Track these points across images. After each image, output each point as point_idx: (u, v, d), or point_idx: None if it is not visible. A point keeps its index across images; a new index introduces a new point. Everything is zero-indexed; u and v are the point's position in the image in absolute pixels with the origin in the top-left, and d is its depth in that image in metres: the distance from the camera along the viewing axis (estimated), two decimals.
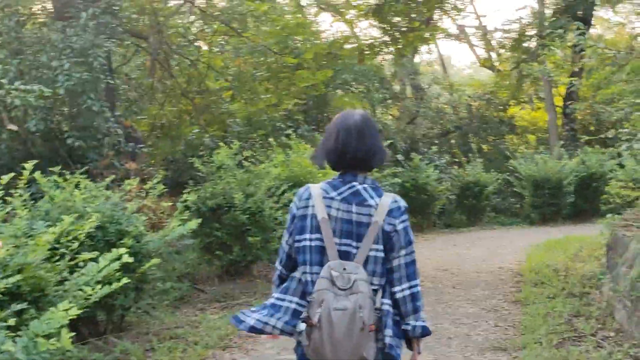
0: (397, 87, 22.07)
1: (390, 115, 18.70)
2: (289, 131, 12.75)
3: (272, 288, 3.04)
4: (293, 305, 2.87)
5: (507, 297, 7.87)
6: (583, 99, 23.82)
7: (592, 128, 23.14)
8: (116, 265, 4.48)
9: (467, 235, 15.53)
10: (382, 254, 2.79)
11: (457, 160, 18.98)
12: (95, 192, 6.46)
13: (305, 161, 11.35)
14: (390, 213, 2.80)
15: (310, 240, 2.83)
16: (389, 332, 2.78)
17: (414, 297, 2.85)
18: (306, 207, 2.87)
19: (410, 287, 2.84)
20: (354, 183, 2.84)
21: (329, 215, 2.81)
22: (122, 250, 4.53)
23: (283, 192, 9.57)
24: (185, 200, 7.36)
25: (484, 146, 22.44)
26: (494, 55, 29.43)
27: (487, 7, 67.48)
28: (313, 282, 2.78)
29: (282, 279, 2.99)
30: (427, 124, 20.67)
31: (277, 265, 3.01)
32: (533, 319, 6.53)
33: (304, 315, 2.77)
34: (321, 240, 2.80)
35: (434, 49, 28.11)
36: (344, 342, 2.65)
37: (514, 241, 13.61)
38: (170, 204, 7.55)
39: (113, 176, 7.37)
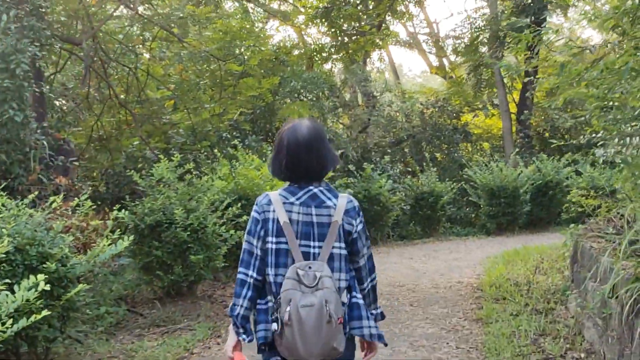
0: (347, 95, 21.78)
1: (341, 124, 18.34)
2: (236, 142, 12.31)
3: (234, 299, 3.05)
4: (263, 306, 3.04)
5: (467, 314, 7.51)
6: (537, 105, 23.91)
7: (546, 135, 23.19)
8: (33, 293, 3.98)
9: (423, 247, 15.24)
10: (344, 251, 3.04)
11: (410, 169, 18.71)
12: (16, 211, 5.90)
13: (252, 173, 10.94)
14: (347, 213, 3.05)
15: (273, 243, 2.99)
16: (368, 322, 3.09)
17: (374, 288, 3.24)
18: (267, 212, 3.03)
19: (371, 281, 3.21)
20: (310, 187, 3.05)
21: (290, 219, 3.00)
22: (41, 276, 4.04)
23: (227, 207, 9.10)
24: (116, 218, 6.84)
25: (437, 155, 22.29)
26: (446, 62, 29.56)
27: (439, 14, 68.12)
28: (278, 284, 2.97)
29: (256, 288, 3.05)
30: (379, 133, 20.39)
31: (249, 272, 3.03)
32: (497, 340, 6.17)
33: (274, 315, 2.94)
34: (285, 243, 2.98)
35: (385, 57, 28.14)
36: (314, 336, 2.84)
37: (471, 252, 13.35)
38: (100, 222, 7.00)
39: (37, 192, 6.79)
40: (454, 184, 18.39)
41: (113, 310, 7.48)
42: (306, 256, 3.00)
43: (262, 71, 11.72)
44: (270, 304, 3.02)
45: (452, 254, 13.11)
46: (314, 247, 3.02)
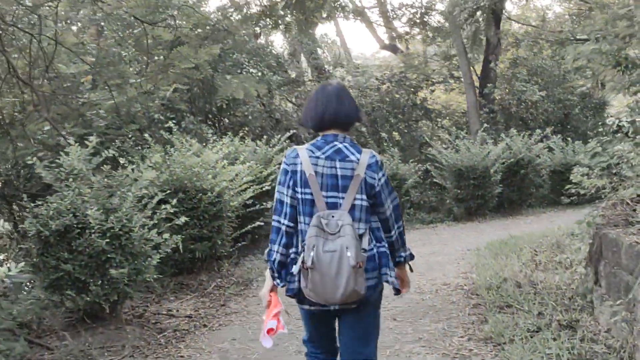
0: (294, 72, 20.19)
1: (291, 102, 16.84)
2: (170, 124, 10.72)
3: (270, 245, 3.43)
4: (278, 256, 3.40)
5: (470, 331, 6.10)
6: (501, 78, 22.78)
7: (512, 109, 22.06)
8: None
9: None
10: (366, 203, 3.40)
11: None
12: None
13: (191, 160, 9.41)
14: (369, 167, 3.42)
15: (301, 193, 3.38)
16: (388, 270, 3.45)
17: (401, 234, 3.61)
18: (295, 164, 3.42)
19: (398, 228, 3.58)
20: (335, 142, 3.46)
21: (315, 172, 3.38)
22: None
23: (161, 202, 7.54)
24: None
25: (395, 133, 20.90)
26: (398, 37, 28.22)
27: None
28: (304, 231, 3.34)
29: (289, 234, 3.41)
30: None
31: (282, 221, 3.41)
32: None
33: (299, 260, 3.31)
34: (311, 194, 3.35)
35: (333, 28, 26.63)
36: (336, 279, 3.21)
37: (447, 244, 12.04)
38: None
39: None
40: (418, 165, 17.05)
41: (8, 346, 5.81)
42: (330, 206, 3.34)
43: (200, 39, 10.11)
44: (298, 250, 3.37)
45: (426, 247, 11.77)
46: (337, 197, 3.36)
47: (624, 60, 7.24)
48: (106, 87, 9.98)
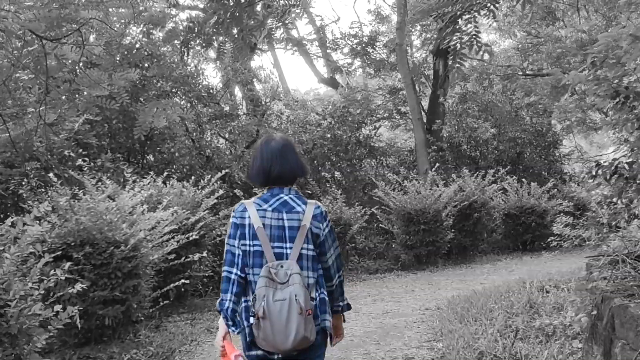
0: (229, 103, 18.83)
1: (223, 137, 15.52)
2: (80, 162, 9.33)
3: (222, 295, 3.61)
4: (231, 305, 3.59)
5: None
6: (450, 114, 21.94)
7: (463, 147, 21.16)
8: None
9: None
10: (312, 252, 3.67)
11: (309, 192, 16.03)
12: None
13: (103, 204, 8.05)
14: (315, 217, 3.70)
15: (250, 245, 3.62)
16: (328, 317, 3.71)
17: (341, 283, 3.91)
18: (243, 217, 3.66)
19: (339, 277, 3.86)
20: (281, 195, 3.72)
21: (263, 224, 3.62)
22: None
23: (62, 258, 6.14)
24: None
25: (337, 173, 19.68)
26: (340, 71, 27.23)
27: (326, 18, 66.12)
28: (254, 282, 3.54)
29: (240, 284, 3.62)
30: None
31: (233, 271, 3.63)
32: None
33: (251, 311, 3.50)
34: (260, 245, 3.59)
35: (268, 60, 25.50)
36: (287, 327, 3.40)
37: (402, 301, 10.84)
38: None
39: None
40: (364, 209, 15.85)
41: None
42: (279, 256, 3.60)
43: (114, 60, 8.75)
44: (249, 302, 3.57)
45: (377, 304, 10.56)
46: (285, 248, 3.63)
47: (624, 90, 6.18)
48: None
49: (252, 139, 16.03)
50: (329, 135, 19.52)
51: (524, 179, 18.70)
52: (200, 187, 11.13)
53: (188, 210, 10.15)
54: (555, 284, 10.23)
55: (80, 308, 6.23)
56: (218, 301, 3.66)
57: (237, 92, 20.15)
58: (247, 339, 3.56)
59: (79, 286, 5.71)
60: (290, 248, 3.61)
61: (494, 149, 21.76)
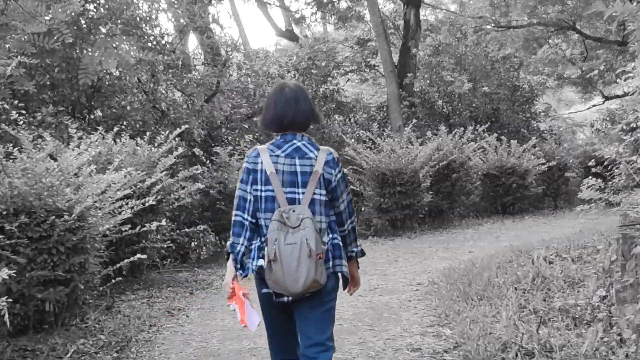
0: (184, 52, 17.37)
1: (180, 90, 14.20)
2: (15, 115, 8.05)
3: (234, 239, 3.80)
4: (257, 244, 3.75)
5: None
6: (424, 67, 20.88)
7: (438, 103, 20.13)
8: None
9: None
10: (324, 197, 3.77)
11: None
12: None
13: (43, 165, 6.84)
14: (327, 164, 3.79)
15: (262, 191, 3.74)
16: (343, 262, 3.84)
17: (354, 229, 4.00)
18: (255, 163, 3.78)
19: (351, 222, 3.96)
20: (294, 141, 3.81)
21: (276, 169, 3.73)
22: None
23: None
24: None
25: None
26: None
27: None
28: (267, 226, 3.67)
29: (251, 229, 3.78)
30: (229, 103, 16.28)
31: (245, 217, 3.78)
32: None
33: (262, 253, 3.66)
34: (272, 190, 3.70)
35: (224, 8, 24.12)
36: (297, 270, 3.54)
37: (388, 274, 9.84)
38: None
39: None
40: None
41: None
42: (291, 201, 3.71)
43: None
44: (260, 244, 3.73)
45: (361, 277, 9.44)
46: (297, 193, 3.73)
47: None
48: None
49: (211, 91, 14.75)
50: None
51: (502, 137, 17.79)
52: (156, 144, 9.91)
53: (143, 172, 8.94)
54: (557, 253, 9.34)
55: (14, 294, 5.03)
56: (229, 243, 3.83)
57: (191, 42, 18.82)
58: (258, 278, 3.78)
59: (4, 273, 4.46)
60: (303, 193, 3.74)
61: (468, 104, 20.80)
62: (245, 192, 3.78)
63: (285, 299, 3.69)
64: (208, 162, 12.07)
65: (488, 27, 24.53)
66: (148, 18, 12.42)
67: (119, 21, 11.19)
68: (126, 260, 7.72)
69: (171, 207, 10.29)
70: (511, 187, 16.95)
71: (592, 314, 6.25)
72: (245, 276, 3.77)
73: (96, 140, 8.95)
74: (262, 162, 3.74)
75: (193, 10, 13.21)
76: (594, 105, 27.90)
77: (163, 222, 8.90)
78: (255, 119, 17.59)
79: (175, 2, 13.64)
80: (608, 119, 28.81)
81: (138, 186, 8.80)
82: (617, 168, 8.44)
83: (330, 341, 3.88)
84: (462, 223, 15.87)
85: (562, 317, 6.30)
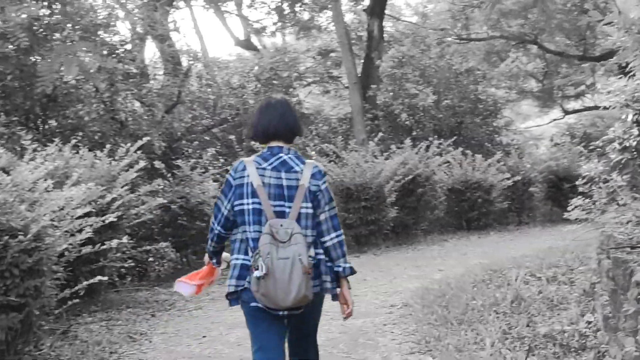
0: (141, 62, 16.83)
1: (140, 100, 13.71)
2: None
3: (208, 241, 4.15)
4: (240, 262, 3.87)
5: None
6: (388, 78, 20.65)
7: (402, 116, 19.90)
8: None
9: None
10: (311, 211, 3.86)
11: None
12: None
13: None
14: (313, 176, 3.88)
15: (249, 204, 3.80)
16: (327, 277, 3.90)
17: (341, 243, 3.97)
18: (242, 177, 3.83)
19: (337, 236, 3.95)
20: (281, 154, 3.90)
21: (262, 182, 3.80)
22: None
23: None
24: None
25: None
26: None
27: None
28: (254, 239, 3.75)
29: (221, 238, 4.05)
30: (191, 114, 15.83)
31: (216, 226, 3.99)
32: None
33: (254, 265, 3.66)
34: (259, 203, 3.77)
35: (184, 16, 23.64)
36: (289, 285, 3.59)
37: (357, 293, 9.41)
38: None
39: None
40: None
41: None
42: (279, 215, 3.77)
43: None
44: (243, 261, 3.84)
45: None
46: (284, 206, 3.80)
47: None
48: None
49: (172, 102, 14.30)
50: (252, 101, 17.89)
51: (468, 151, 17.63)
52: (116, 157, 9.45)
53: (103, 187, 8.49)
54: (531, 272, 9.14)
55: None
56: (207, 239, 4.23)
57: (152, 49, 18.21)
58: (246, 292, 3.81)
59: None
60: (290, 207, 3.79)
61: (431, 117, 20.62)
62: (222, 204, 3.93)
63: (281, 312, 3.77)
64: (169, 175, 11.61)
65: (449, 39, 24.48)
66: (107, 24, 11.95)
67: (77, 27, 10.71)
68: (85, 283, 7.26)
69: (131, 223, 9.83)
70: (476, 202, 16.79)
71: (580, 341, 6.01)
72: (217, 266, 4.27)
73: (52, 153, 8.49)
74: (248, 175, 3.81)
75: (154, 18, 12.78)
76: (554, 120, 28.05)
77: (124, 240, 8.43)
78: (214, 130, 17.23)
79: (135, 9, 13.18)
80: (567, 133, 29.02)
81: (98, 202, 8.34)
82: (597, 186, 8.29)
83: (316, 352, 4.20)
84: (427, 239, 15.64)
85: (548, 345, 6.04)
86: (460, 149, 17.42)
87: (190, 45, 19.26)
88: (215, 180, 12.34)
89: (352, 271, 4.00)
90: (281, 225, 3.68)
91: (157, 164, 11.51)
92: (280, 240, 3.64)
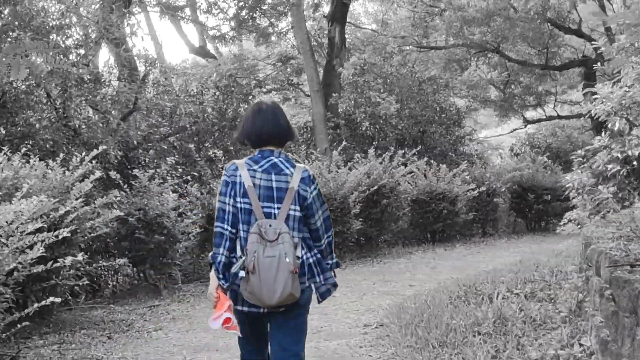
0: (95, 67, 16.14)
1: (94, 107, 13.03)
2: None
3: (215, 249, 3.97)
4: (223, 259, 3.92)
5: None
6: (350, 86, 20.27)
7: (365, 125, 19.55)
8: None
9: None
10: (299, 214, 3.96)
11: (198, 174, 13.92)
12: None
13: None
14: (302, 180, 3.99)
15: (240, 202, 3.93)
16: (317, 278, 4.05)
17: (330, 243, 4.21)
18: (234, 176, 3.96)
19: (328, 237, 4.17)
20: (272, 157, 4.01)
21: (253, 183, 3.92)
22: None
23: None
24: None
25: (217, 152, 17.33)
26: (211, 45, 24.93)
27: None
28: (244, 238, 3.88)
29: (232, 241, 3.96)
30: (147, 122, 15.22)
31: (226, 227, 3.95)
32: None
33: (240, 264, 3.83)
34: (249, 203, 3.89)
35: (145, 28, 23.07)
36: (274, 283, 3.71)
37: (328, 312, 8.99)
38: None
39: None
40: None
41: None
42: (267, 216, 3.89)
43: None
44: (237, 257, 3.91)
45: None
46: (273, 208, 3.92)
47: None
48: None
49: (128, 109, 13.68)
50: (210, 110, 17.32)
51: (432, 161, 17.33)
52: (70, 168, 8.86)
53: (55, 199, 7.90)
54: (508, 288, 8.78)
55: None
56: (210, 254, 4.00)
57: (105, 54, 17.54)
58: (231, 293, 3.94)
59: None
60: (278, 208, 3.91)
61: (394, 126, 20.28)
62: (224, 203, 3.96)
63: (260, 310, 3.91)
64: (126, 186, 11.02)
65: (409, 47, 24.24)
66: (60, 26, 11.34)
67: (27, 29, 10.10)
68: (36, 305, 6.67)
69: (86, 237, 9.23)
70: (441, 213, 16.49)
71: None
72: (228, 287, 3.94)
73: (0, 162, 7.91)
74: (240, 175, 3.93)
75: (110, 20, 12.19)
76: (515, 129, 27.98)
77: (79, 257, 7.83)
78: (171, 139, 16.62)
79: (89, 11, 12.57)
80: (527, 143, 28.98)
81: (50, 216, 7.76)
82: (580, 196, 7.98)
83: (302, 351, 4.15)
84: (392, 252, 15.27)
85: None
86: (426, 158, 17.09)
87: (147, 49, 18.57)
88: (174, 191, 11.78)
89: (338, 264, 4.31)
90: (270, 225, 3.83)
91: (113, 174, 10.90)
92: (268, 239, 3.78)
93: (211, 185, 12.91)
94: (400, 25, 25.71)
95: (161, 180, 11.35)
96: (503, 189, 18.74)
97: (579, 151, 7.93)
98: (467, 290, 9.00)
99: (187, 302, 10.12)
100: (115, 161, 12.04)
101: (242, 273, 3.79)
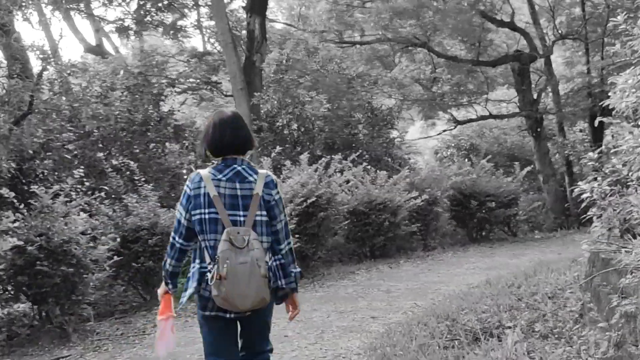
0: None
1: None
2: None
3: (165, 257, 4.25)
4: (197, 268, 4.10)
5: None
6: (275, 85, 18.76)
7: (292, 127, 18.07)
8: None
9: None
10: (265, 218, 4.15)
11: (108, 188, 12.16)
12: None
13: None
14: (266, 185, 4.18)
15: (205, 213, 4.05)
16: (281, 280, 4.26)
17: (291, 250, 4.37)
18: (199, 187, 4.09)
19: (288, 244, 4.33)
20: (235, 166, 4.17)
21: (218, 193, 4.07)
22: None
23: None
24: None
25: (130, 161, 15.55)
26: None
27: None
28: (212, 247, 4.03)
29: (182, 252, 4.20)
30: (45, 127, 13.30)
31: (177, 239, 4.18)
32: None
33: (213, 271, 3.92)
34: (215, 213, 4.03)
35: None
36: (248, 288, 3.89)
37: (291, 342, 7.46)
38: None
39: None
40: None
41: None
42: (234, 223, 4.03)
43: None
44: (200, 267, 4.09)
45: None
46: (239, 215, 4.07)
47: None
48: None
49: (22, 112, 11.80)
50: (118, 112, 15.53)
51: (369, 167, 16.01)
52: None
53: None
54: (500, 322, 7.49)
55: None
56: (163, 262, 4.27)
57: None
58: (202, 300, 4.13)
59: None
60: (244, 216, 4.08)
61: (320, 129, 18.87)
62: (181, 215, 4.15)
63: (228, 315, 4.11)
64: (22, 206, 9.20)
65: (328, 43, 22.94)
66: None
67: None
68: None
69: None
70: (382, 225, 15.14)
71: None
72: (174, 292, 4.30)
73: None
74: (205, 186, 4.08)
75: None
76: (444, 131, 26.98)
77: None
78: (72, 146, 14.74)
79: None
80: (453, 145, 28.11)
81: None
82: (600, 209, 6.75)
83: (270, 345, 4.44)
84: (331, 271, 13.78)
85: None
86: (364, 164, 15.73)
87: (43, 41, 16.64)
88: (84, 211, 9.98)
89: (301, 274, 4.49)
90: (238, 233, 3.97)
91: (5, 191, 9.08)
92: (238, 246, 3.92)
93: (125, 201, 11.19)
94: (321, 19, 24.41)
95: (67, 199, 9.58)
96: (444, 197, 17.59)
97: (590, 154, 6.77)
98: (450, 327, 7.66)
99: (104, 350, 8.37)
100: (8, 175, 10.18)
101: (211, 280, 3.93)
